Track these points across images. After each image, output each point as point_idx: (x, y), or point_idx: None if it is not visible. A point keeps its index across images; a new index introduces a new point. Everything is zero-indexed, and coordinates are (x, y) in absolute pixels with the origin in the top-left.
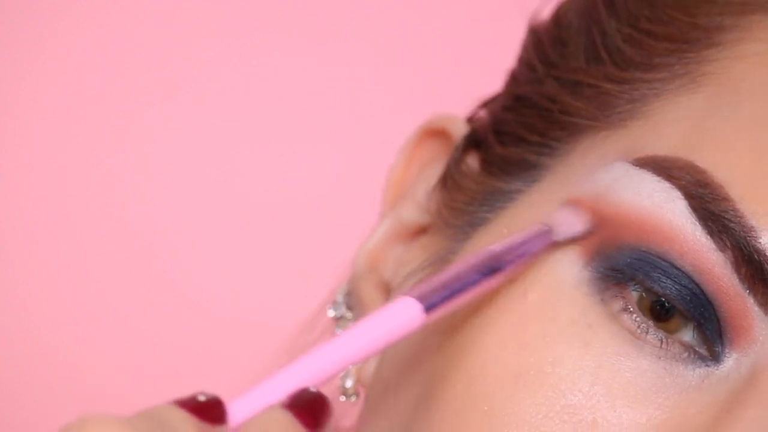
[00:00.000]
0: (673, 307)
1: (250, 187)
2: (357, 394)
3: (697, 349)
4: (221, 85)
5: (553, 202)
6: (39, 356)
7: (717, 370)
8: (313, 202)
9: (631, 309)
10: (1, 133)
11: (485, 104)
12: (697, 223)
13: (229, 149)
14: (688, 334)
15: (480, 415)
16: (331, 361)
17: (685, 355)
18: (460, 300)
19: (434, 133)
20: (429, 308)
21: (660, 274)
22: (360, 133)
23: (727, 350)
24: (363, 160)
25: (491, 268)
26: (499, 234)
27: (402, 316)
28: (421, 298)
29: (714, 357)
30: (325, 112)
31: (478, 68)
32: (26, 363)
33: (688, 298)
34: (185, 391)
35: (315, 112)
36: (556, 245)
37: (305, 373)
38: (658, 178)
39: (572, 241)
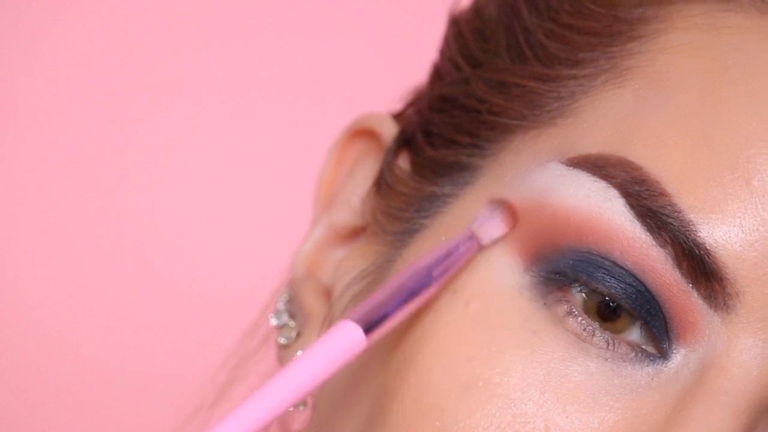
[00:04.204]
0: (620, 306)
1: (252, 186)
2: (305, 404)
3: (644, 347)
4: (222, 85)
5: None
6: (41, 354)
7: (665, 367)
8: None
9: (576, 312)
10: (2, 134)
11: (412, 102)
12: (636, 221)
13: (231, 148)
14: (635, 333)
15: (431, 429)
16: (279, 399)
17: (632, 354)
18: (398, 318)
19: (362, 132)
20: (368, 330)
21: (604, 273)
22: None
23: (674, 346)
24: None
25: (422, 282)
26: (437, 241)
27: (344, 342)
28: (360, 321)
29: (662, 354)
30: (329, 113)
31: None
32: (27, 360)
33: (634, 296)
34: (184, 387)
35: (317, 113)
36: (483, 249)
37: (253, 413)
38: (593, 178)
39: (497, 242)
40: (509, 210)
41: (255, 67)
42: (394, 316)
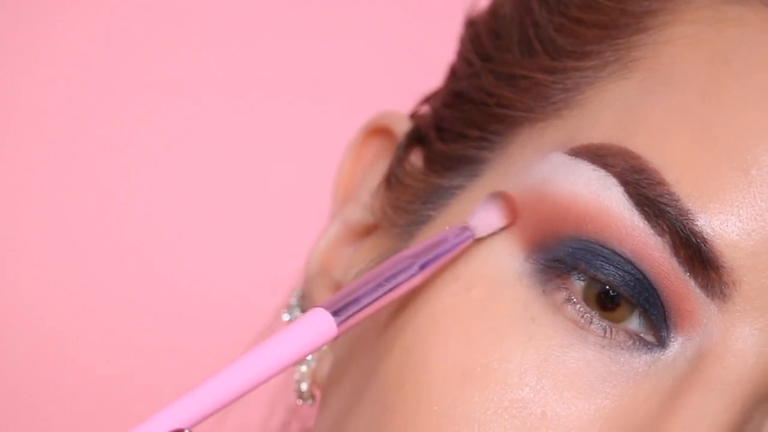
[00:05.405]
0: (619, 295)
1: (252, 186)
2: (313, 397)
3: (643, 336)
4: (222, 85)
5: None
6: (41, 354)
7: (663, 355)
8: (321, 201)
9: (575, 300)
10: (2, 134)
11: (427, 100)
12: (634, 209)
13: (231, 149)
14: (634, 322)
15: (429, 414)
16: (240, 382)
17: (630, 342)
18: (376, 307)
19: (378, 131)
20: (342, 319)
21: (602, 261)
22: None
23: (672, 334)
24: None
25: (402, 272)
26: None
27: (314, 329)
28: (331, 307)
29: (660, 342)
30: (330, 113)
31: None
32: (27, 360)
33: (632, 284)
34: (185, 387)
35: (317, 113)
36: (479, 242)
37: (213, 394)
38: (593, 167)
39: (494, 234)
40: (507, 202)
41: (255, 67)
42: (371, 305)
